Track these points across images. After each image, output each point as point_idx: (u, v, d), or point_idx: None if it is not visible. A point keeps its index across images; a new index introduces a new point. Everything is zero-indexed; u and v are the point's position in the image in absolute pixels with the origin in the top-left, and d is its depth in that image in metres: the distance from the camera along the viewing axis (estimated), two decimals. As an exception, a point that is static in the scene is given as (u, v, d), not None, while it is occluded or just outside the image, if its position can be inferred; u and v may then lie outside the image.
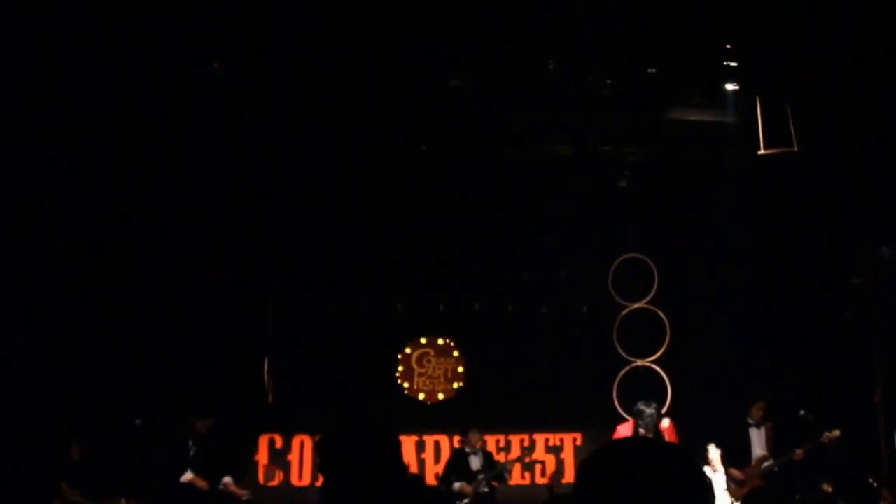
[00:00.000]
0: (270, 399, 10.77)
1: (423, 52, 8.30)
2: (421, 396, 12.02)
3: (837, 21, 7.75)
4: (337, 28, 7.87)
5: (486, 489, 9.66)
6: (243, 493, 9.33)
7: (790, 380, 10.30)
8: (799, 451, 8.84)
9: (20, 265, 8.50)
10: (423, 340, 12.16)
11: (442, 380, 12.08)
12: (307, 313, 11.25)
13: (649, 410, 7.02)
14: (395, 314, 11.77)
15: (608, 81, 8.96)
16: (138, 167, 9.43)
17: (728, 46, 8.41)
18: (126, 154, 9.20)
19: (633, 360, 11.43)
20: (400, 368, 12.03)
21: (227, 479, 9.13)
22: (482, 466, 9.75)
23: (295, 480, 11.29)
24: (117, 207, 9.54)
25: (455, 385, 12.08)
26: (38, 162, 8.49)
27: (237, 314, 10.75)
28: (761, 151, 8.74)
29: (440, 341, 12.21)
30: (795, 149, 8.55)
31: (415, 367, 12.09)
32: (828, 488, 8.73)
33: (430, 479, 10.56)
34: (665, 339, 11.39)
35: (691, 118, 9.76)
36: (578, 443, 11.83)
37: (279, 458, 11.31)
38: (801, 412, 9.16)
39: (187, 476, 8.83)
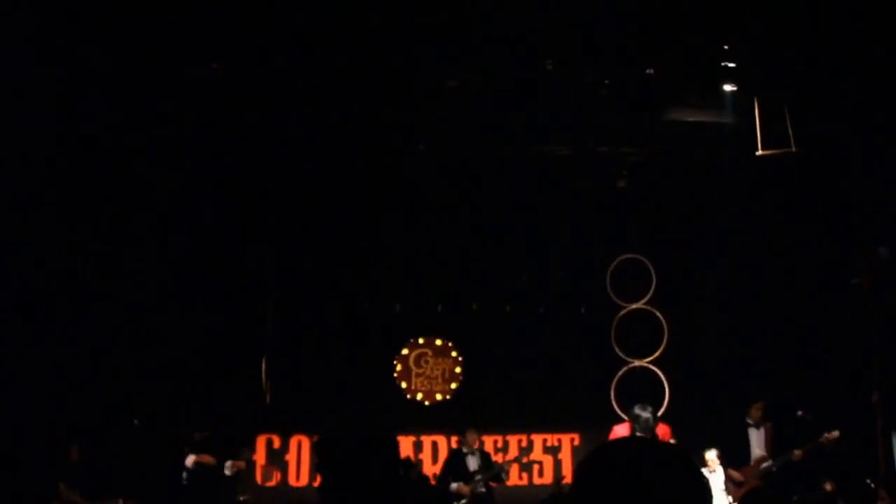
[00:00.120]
0: (268, 399, 10.78)
1: (422, 52, 8.30)
2: (419, 397, 12.03)
3: (836, 22, 7.76)
4: (336, 28, 7.87)
5: (484, 490, 9.64)
6: (243, 464, 9.38)
7: (789, 380, 10.30)
8: (797, 452, 8.83)
9: (20, 265, 8.49)
10: (420, 341, 12.17)
11: (440, 380, 12.10)
12: (305, 314, 11.26)
13: (645, 414, 6.99)
14: (393, 314, 11.79)
15: (607, 82, 8.96)
16: (138, 167, 9.43)
17: (726, 47, 8.42)
18: (126, 154, 9.21)
19: (631, 360, 11.44)
20: (398, 369, 12.05)
21: (229, 462, 9.18)
22: (480, 467, 9.73)
23: (292, 481, 11.30)
24: (117, 207, 9.54)
25: (453, 385, 12.09)
26: (39, 162, 8.48)
27: (236, 314, 10.76)
28: (759, 152, 8.76)
29: (438, 342, 12.22)
30: (793, 149, 8.58)
31: (413, 367, 12.10)
32: (829, 487, 8.74)
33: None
34: (663, 340, 11.39)
35: (690, 119, 9.77)
36: (576, 443, 11.84)
37: (277, 459, 11.32)
38: (800, 413, 9.15)
39: (191, 459, 8.88)
